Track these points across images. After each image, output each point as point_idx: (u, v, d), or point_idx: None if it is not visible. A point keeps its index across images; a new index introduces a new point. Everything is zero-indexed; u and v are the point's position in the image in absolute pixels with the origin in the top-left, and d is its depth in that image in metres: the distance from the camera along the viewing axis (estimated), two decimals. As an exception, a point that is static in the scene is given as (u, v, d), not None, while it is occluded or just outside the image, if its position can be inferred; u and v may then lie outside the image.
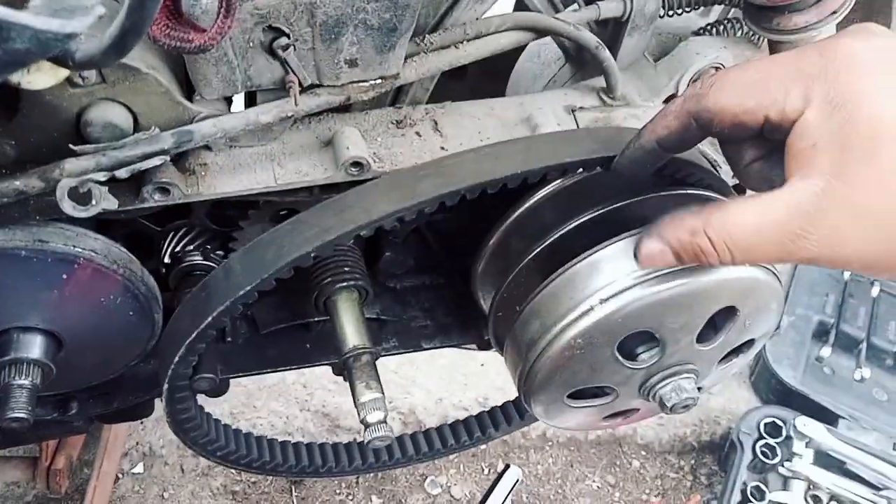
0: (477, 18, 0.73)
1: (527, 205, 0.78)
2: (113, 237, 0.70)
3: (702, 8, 0.85)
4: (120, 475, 1.83)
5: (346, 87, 0.66)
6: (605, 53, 0.74)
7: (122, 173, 0.58)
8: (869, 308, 2.30)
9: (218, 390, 0.94)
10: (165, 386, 0.67)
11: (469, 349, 1.24)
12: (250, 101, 0.68)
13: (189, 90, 0.64)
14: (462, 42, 0.70)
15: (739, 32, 0.86)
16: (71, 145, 0.58)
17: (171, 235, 0.79)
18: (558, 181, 0.76)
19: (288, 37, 0.60)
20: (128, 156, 0.59)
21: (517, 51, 0.93)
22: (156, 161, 0.59)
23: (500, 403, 1.01)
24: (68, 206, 0.54)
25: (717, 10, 0.95)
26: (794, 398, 2.11)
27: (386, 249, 0.90)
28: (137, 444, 1.89)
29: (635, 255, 0.66)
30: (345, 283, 0.78)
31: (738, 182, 0.70)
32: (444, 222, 0.93)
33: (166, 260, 0.78)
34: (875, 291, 2.31)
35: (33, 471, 1.35)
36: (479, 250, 0.84)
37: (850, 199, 0.52)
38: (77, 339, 0.71)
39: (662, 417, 2.21)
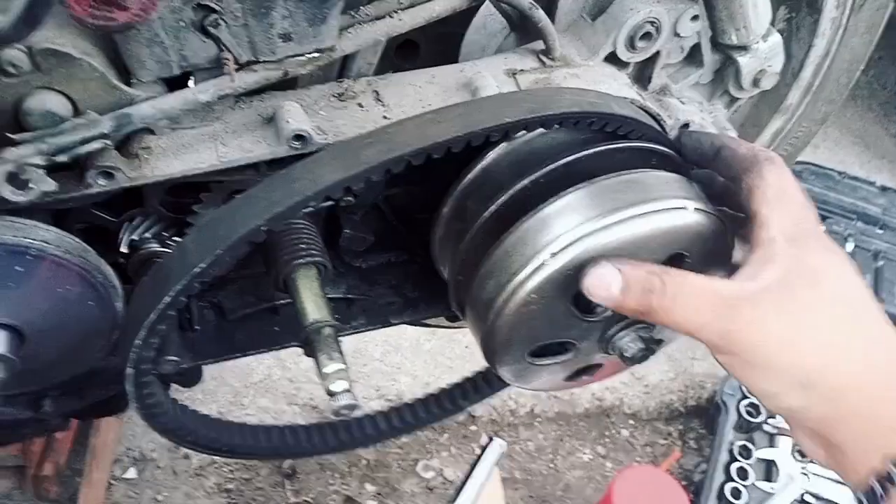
0: (412, -12, 0.74)
1: (476, 169, 0.79)
2: (69, 231, 0.71)
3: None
4: (112, 481, 1.83)
5: (283, 62, 0.67)
6: (540, 13, 0.75)
7: (63, 158, 0.59)
8: (872, 276, 2.33)
9: (189, 378, 0.95)
10: (129, 369, 0.68)
11: (440, 327, 1.26)
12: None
13: (126, 75, 0.65)
14: (396, 11, 0.71)
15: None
16: (8, 134, 0.58)
17: (126, 225, 0.79)
18: (504, 143, 0.78)
19: (218, 13, 0.61)
20: (67, 141, 0.60)
21: (466, 27, 0.94)
22: (96, 145, 0.60)
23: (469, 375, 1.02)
24: (6, 191, 0.54)
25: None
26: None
27: (345, 227, 0.91)
28: (128, 449, 1.89)
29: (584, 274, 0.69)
30: (302, 261, 0.78)
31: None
32: (401, 197, 0.94)
33: (124, 249, 0.79)
34: (880, 263, 2.35)
35: (20, 479, 1.35)
36: (434, 219, 0.86)
37: (787, 308, 0.62)
38: (39, 333, 0.72)
39: (648, 385, 2.23)
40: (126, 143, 0.66)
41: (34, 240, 0.65)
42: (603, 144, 0.77)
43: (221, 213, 0.65)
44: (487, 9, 0.85)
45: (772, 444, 1.94)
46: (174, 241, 0.81)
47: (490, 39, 0.97)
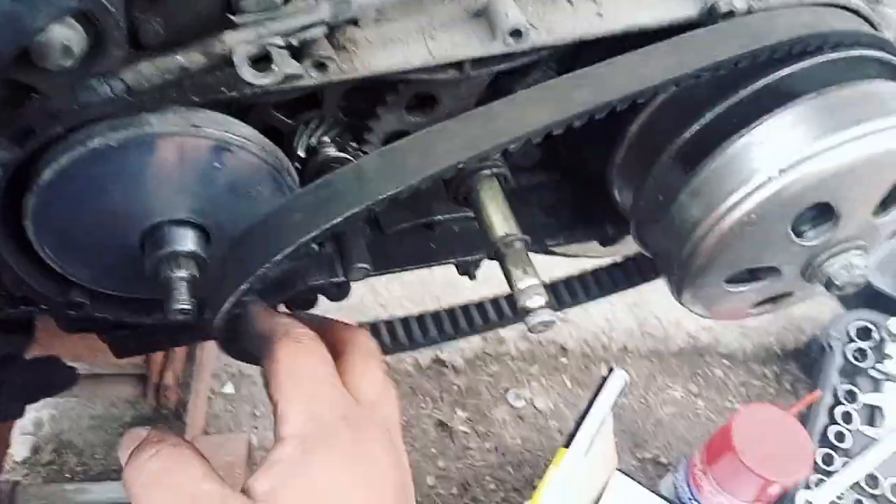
0: None
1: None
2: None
3: None
4: (211, 395, 1.87)
5: (504, -52, 0.60)
6: None
7: (280, 43, 0.54)
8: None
9: (340, 292, 0.93)
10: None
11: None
12: None
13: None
14: None
15: None
16: (229, 15, 0.54)
17: (302, 128, 0.75)
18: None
19: None
20: (286, 26, 0.55)
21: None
22: (317, 31, 0.55)
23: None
24: (248, 73, 0.50)
25: None
26: (884, 302, 2.05)
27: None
28: (226, 365, 1.92)
29: None
30: (487, 171, 0.74)
31: None
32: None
33: (301, 153, 0.75)
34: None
35: (143, 387, 1.38)
36: (618, 138, 0.80)
37: None
38: (223, 234, 0.69)
39: (745, 326, 2.17)
40: (331, 34, 0.61)
41: (235, 135, 0.61)
42: (828, 53, 0.69)
43: (412, 144, 0.61)
44: None
45: (877, 390, 1.88)
46: (352, 147, 0.77)
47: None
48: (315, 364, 0.58)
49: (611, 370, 1.41)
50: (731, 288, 0.75)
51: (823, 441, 1.76)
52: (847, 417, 1.80)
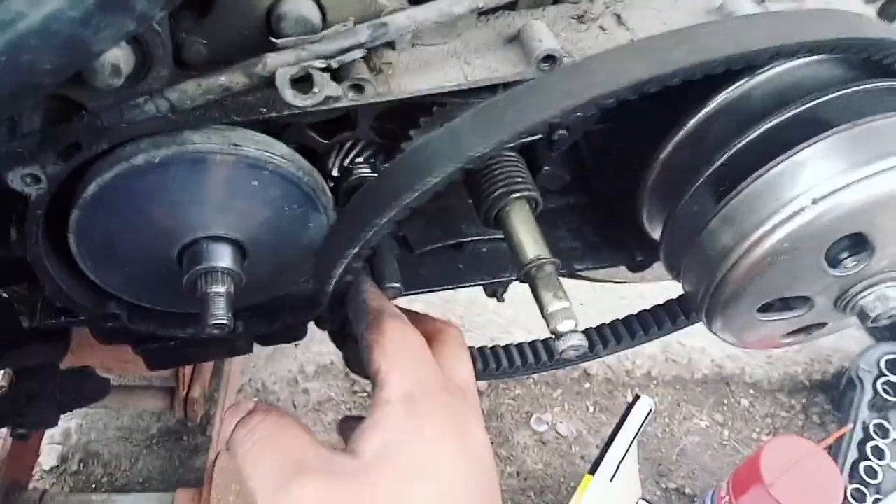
0: None
1: (715, 102, 0.72)
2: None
3: None
4: (235, 410, 1.88)
5: (540, -25, 0.61)
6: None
7: (320, 66, 0.56)
8: None
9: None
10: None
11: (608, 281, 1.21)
12: None
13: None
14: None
15: None
16: (271, 38, 0.56)
17: (336, 148, 0.77)
18: (742, 81, 0.71)
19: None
20: (326, 49, 0.57)
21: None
22: (356, 54, 0.57)
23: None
24: (290, 95, 0.51)
25: None
26: (914, 336, 2.01)
27: (545, 164, 0.87)
28: (250, 380, 1.94)
29: None
30: (517, 194, 0.74)
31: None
32: (599, 135, 0.89)
33: (334, 173, 0.76)
34: None
35: (171, 399, 1.39)
36: (648, 161, 0.80)
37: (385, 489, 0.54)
38: (258, 250, 0.70)
39: (771, 356, 2.14)
40: (368, 57, 0.63)
41: (273, 154, 0.63)
42: (872, 81, 0.69)
43: (505, 101, 0.58)
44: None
45: (910, 426, 1.84)
46: (384, 167, 0.78)
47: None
48: (418, 341, 0.61)
49: (637, 397, 1.40)
50: (763, 317, 0.74)
51: (854, 476, 1.72)
52: (878, 452, 1.76)
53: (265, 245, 0.70)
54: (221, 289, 0.64)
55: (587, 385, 2.04)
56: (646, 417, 1.36)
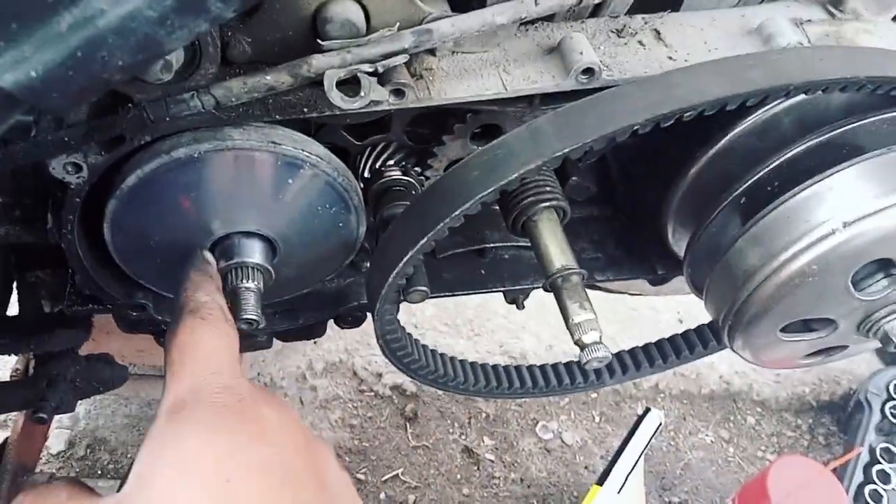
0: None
1: (747, 123, 0.73)
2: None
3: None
4: (242, 403, 1.89)
5: (583, -12, 0.62)
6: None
7: (367, 69, 0.56)
8: None
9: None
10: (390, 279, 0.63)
11: (628, 293, 1.21)
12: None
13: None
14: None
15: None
16: (318, 40, 0.56)
17: (368, 151, 0.77)
18: (775, 103, 0.71)
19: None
20: (371, 53, 0.57)
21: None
22: (400, 59, 0.57)
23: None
24: (336, 97, 0.52)
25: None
26: (924, 361, 2.01)
27: (572, 174, 0.87)
28: (259, 374, 1.95)
29: None
30: (546, 203, 0.75)
31: None
32: (628, 149, 0.89)
33: (366, 175, 0.77)
34: None
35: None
36: (677, 177, 0.80)
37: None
38: (288, 248, 0.71)
39: (780, 375, 2.14)
40: (409, 62, 0.63)
41: (310, 153, 0.64)
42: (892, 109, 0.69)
43: (586, 106, 0.58)
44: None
45: (916, 451, 1.83)
46: (415, 172, 0.79)
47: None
48: (214, 341, 0.55)
49: (647, 410, 1.40)
50: (785, 337, 0.75)
51: (859, 499, 1.71)
52: (884, 477, 1.75)
53: (296, 243, 0.71)
54: (252, 284, 0.64)
55: (594, 395, 2.04)
56: (655, 431, 1.36)
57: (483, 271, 0.93)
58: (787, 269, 0.67)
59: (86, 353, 0.97)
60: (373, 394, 1.95)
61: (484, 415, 1.97)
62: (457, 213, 0.58)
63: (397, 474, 1.83)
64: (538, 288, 0.94)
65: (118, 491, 0.46)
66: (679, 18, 0.72)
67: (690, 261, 0.81)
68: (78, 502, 0.49)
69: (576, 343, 0.69)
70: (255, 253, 0.67)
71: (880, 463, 1.78)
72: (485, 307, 2.16)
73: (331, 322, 0.98)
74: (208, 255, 0.64)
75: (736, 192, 0.73)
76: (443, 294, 0.91)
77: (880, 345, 0.74)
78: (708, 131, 0.75)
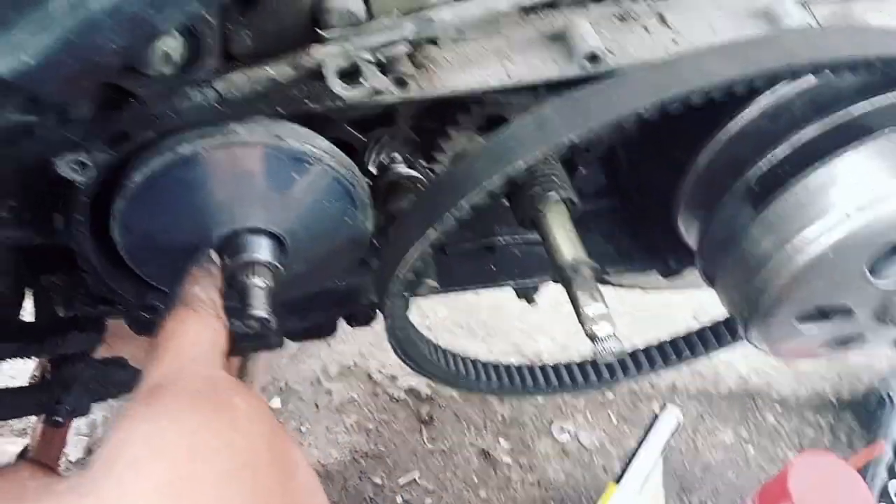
0: None
1: (755, 107, 0.71)
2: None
3: None
4: (258, 409, 1.89)
5: (585, -26, 0.61)
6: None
7: (368, 58, 0.56)
8: None
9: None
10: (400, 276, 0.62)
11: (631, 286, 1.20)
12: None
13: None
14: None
15: None
16: (317, 30, 0.56)
17: (373, 145, 0.77)
18: (785, 85, 0.70)
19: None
20: (371, 42, 0.57)
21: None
22: (401, 48, 0.57)
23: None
24: (337, 86, 0.52)
25: None
26: (949, 355, 1.97)
27: (580, 166, 0.86)
28: (274, 379, 1.95)
29: None
30: (555, 195, 0.74)
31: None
32: (636, 139, 0.88)
33: (372, 169, 0.76)
34: None
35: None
36: (686, 165, 0.79)
37: None
38: (296, 245, 0.70)
39: (799, 372, 2.11)
40: (411, 52, 0.63)
41: (315, 148, 0.63)
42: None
43: (590, 93, 0.57)
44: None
45: (942, 448, 1.79)
46: (421, 165, 0.78)
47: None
48: (199, 331, 0.56)
49: (664, 406, 1.38)
50: (801, 326, 0.73)
51: (884, 497, 1.68)
52: (908, 474, 1.72)
53: (303, 240, 0.71)
54: (261, 281, 0.64)
55: (610, 395, 2.02)
56: (674, 429, 1.34)
57: (494, 266, 0.93)
58: (802, 256, 0.66)
59: (102, 356, 0.98)
60: (388, 397, 1.94)
61: (500, 417, 1.95)
62: (463, 202, 0.57)
63: (414, 478, 1.82)
64: (549, 281, 0.93)
65: None
66: (683, 2, 0.72)
67: (702, 251, 0.80)
68: (39, 481, 0.50)
69: (588, 335, 0.68)
70: (263, 250, 0.66)
71: (905, 460, 1.74)
72: (499, 309, 2.15)
73: (344, 326, 0.98)
74: (213, 254, 0.65)
75: (746, 178, 0.72)
76: (452, 289, 0.91)
77: (899, 333, 0.73)
78: (717, 116, 0.74)
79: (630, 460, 1.30)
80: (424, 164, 0.79)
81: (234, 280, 0.65)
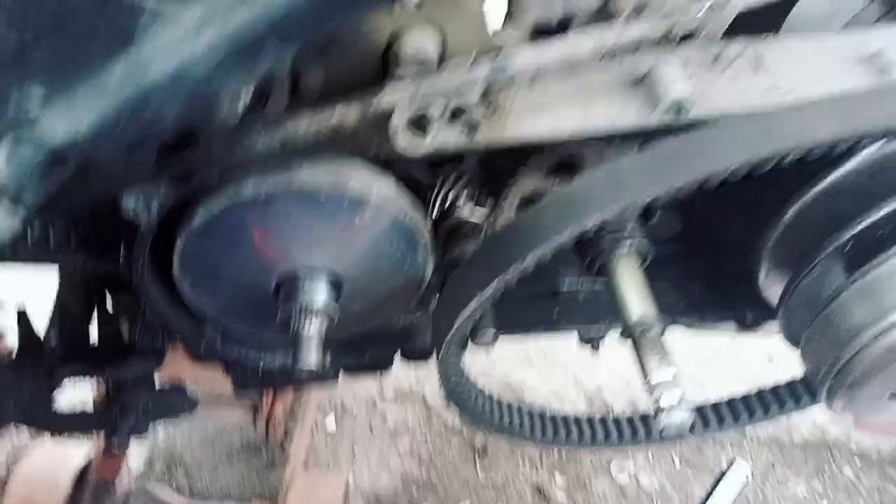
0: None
1: (850, 165, 0.66)
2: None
3: None
4: (313, 429, 1.89)
5: (671, 16, 0.58)
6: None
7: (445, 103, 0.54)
8: None
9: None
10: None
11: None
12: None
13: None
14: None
15: None
16: (390, 72, 0.54)
17: (442, 183, 0.74)
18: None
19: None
20: (443, 85, 0.55)
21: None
22: (474, 96, 0.54)
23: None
24: (403, 140, 0.50)
25: None
26: None
27: (657, 209, 0.82)
28: (330, 399, 1.95)
29: None
30: (626, 244, 0.70)
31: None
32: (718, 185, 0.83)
33: (438, 208, 0.74)
34: None
35: (254, 414, 1.41)
36: (773, 217, 0.74)
37: None
38: (354, 287, 0.69)
39: (882, 424, 1.97)
40: (484, 94, 0.60)
41: (378, 192, 0.61)
42: None
43: (676, 147, 0.54)
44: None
45: None
46: (489, 205, 0.75)
47: (842, 4, 0.82)
48: None
49: (732, 461, 1.30)
50: (892, 403, 0.67)
51: (973, 570, 1.54)
52: None
53: (362, 282, 0.69)
54: (314, 332, 0.62)
55: (674, 437, 1.94)
56: (743, 487, 1.26)
57: (556, 311, 0.89)
58: (900, 330, 0.60)
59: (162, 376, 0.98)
60: (442, 424, 1.91)
61: (556, 451, 1.89)
62: (528, 258, 0.54)
63: (465, 510, 1.79)
64: (614, 330, 0.89)
65: None
66: (784, 44, 0.67)
67: (786, 311, 0.74)
68: None
69: (654, 406, 0.63)
70: (319, 294, 0.65)
71: None
72: (556, 341, 2.09)
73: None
74: None
75: (841, 238, 0.67)
76: (515, 332, 0.88)
77: None
78: (811, 169, 0.69)
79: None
80: (491, 203, 0.76)
81: (289, 324, 0.63)
